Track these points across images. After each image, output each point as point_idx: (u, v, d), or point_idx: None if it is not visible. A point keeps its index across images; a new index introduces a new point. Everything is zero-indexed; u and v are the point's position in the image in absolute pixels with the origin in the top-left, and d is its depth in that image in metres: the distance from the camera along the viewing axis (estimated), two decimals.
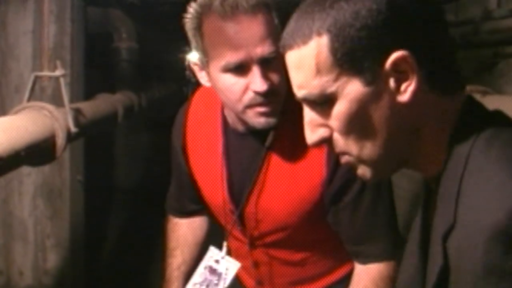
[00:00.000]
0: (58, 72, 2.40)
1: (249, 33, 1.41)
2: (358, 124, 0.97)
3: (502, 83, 3.02)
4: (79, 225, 3.59)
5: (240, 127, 1.62)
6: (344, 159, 1.04)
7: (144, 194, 5.66)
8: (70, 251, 3.43)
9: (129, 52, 4.31)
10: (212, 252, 1.80)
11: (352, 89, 0.95)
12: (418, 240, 1.10)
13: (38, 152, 2.14)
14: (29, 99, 2.37)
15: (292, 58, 1.00)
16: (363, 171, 1.04)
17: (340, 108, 0.96)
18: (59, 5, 3.29)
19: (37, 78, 2.48)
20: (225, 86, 1.47)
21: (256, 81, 1.42)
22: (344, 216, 1.60)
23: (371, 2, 0.93)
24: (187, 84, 9.28)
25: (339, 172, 1.55)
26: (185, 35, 1.55)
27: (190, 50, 1.75)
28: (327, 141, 1.02)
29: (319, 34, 0.95)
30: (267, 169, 1.60)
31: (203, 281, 1.78)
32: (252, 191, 1.63)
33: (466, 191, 0.91)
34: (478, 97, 2.50)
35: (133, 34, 4.29)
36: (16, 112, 2.24)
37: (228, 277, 1.75)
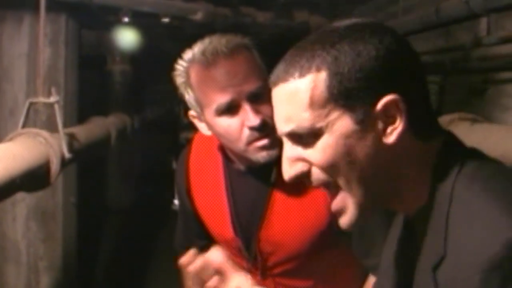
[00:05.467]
0: (52, 99, 2.41)
1: (233, 73, 1.49)
2: (341, 159, 1.00)
3: (492, 109, 3.06)
4: (72, 247, 3.60)
5: (242, 166, 1.66)
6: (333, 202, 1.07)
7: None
8: (63, 273, 3.44)
9: (122, 75, 4.34)
10: None
11: (342, 125, 0.98)
12: (396, 272, 1.14)
13: (33, 179, 2.15)
14: (24, 125, 2.39)
15: (284, 91, 1.03)
16: (346, 213, 1.06)
17: (327, 142, 0.99)
18: (54, 28, 3.32)
19: (31, 103, 2.50)
20: (223, 129, 1.53)
21: (249, 117, 1.49)
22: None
23: (371, 47, 0.97)
24: (179, 104, 9.30)
25: None
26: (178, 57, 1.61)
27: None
28: (305, 176, 1.05)
29: (318, 69, 0.99)
30: (273, 204, 1.64)
31: None
32: (261, 227, 1.66)
33: (455, 224, 0.94)
34: (467, 125, 2.53)
35: (126, 56, 4.32)
36: (11, 139, 2.25)
37: None
